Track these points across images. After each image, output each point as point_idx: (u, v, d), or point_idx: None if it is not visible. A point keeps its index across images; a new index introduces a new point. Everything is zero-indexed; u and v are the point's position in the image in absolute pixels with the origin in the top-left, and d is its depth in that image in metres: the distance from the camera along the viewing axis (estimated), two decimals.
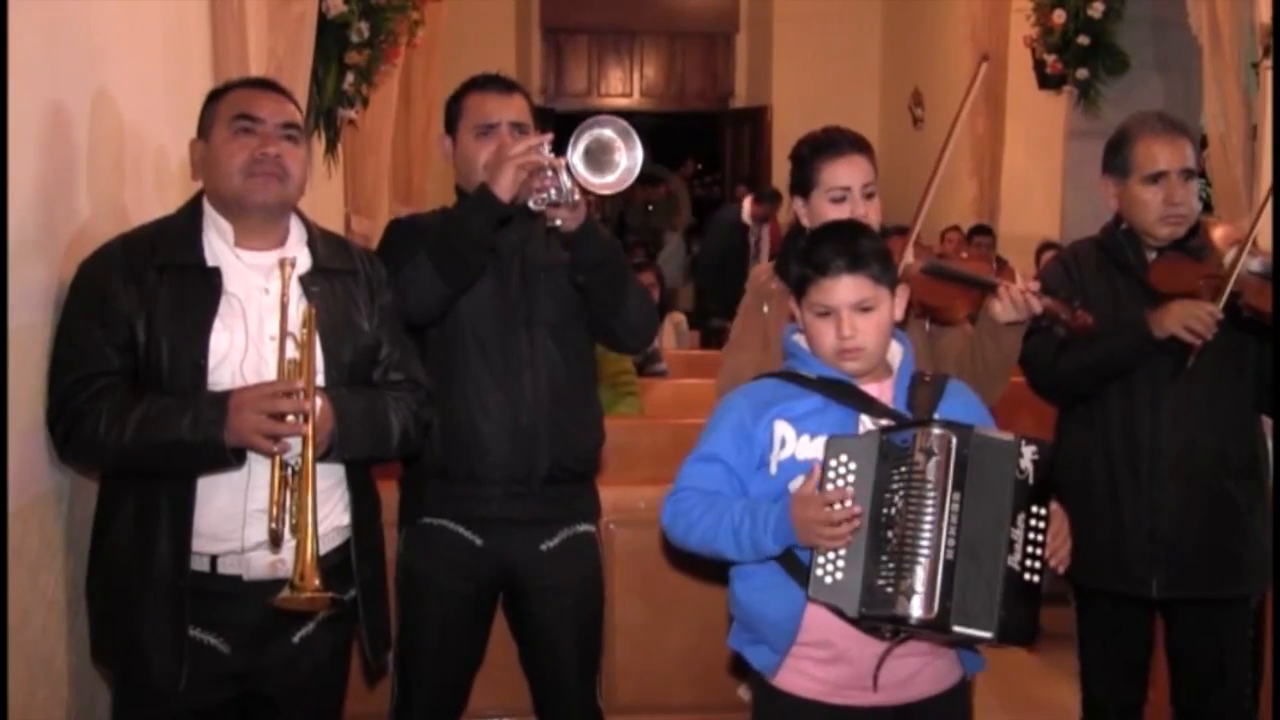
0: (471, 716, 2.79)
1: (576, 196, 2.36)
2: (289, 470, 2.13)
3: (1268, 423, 2.83)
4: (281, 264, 2.18)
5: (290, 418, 2.08)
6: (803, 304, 2.17)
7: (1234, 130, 4.67)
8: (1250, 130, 4.68)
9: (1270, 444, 2.83)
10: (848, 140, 2.59)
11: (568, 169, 2.33)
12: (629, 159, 2.34)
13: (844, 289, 2.11)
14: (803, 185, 2.60)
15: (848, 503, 1.97)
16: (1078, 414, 2.83)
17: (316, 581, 2.08)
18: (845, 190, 2.53)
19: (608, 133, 2.33)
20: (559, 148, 2.38)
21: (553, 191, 2.36)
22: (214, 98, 2.29)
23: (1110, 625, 2.84)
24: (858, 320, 2.11)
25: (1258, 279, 2.61)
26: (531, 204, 2.38)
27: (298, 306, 2.20)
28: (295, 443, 2.11)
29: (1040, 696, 4.09)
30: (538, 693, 2.71)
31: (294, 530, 2.11)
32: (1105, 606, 2.82)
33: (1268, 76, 4.44)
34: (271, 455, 2.10)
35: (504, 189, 2.37)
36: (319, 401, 2.13)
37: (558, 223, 2.40)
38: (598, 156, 2.33)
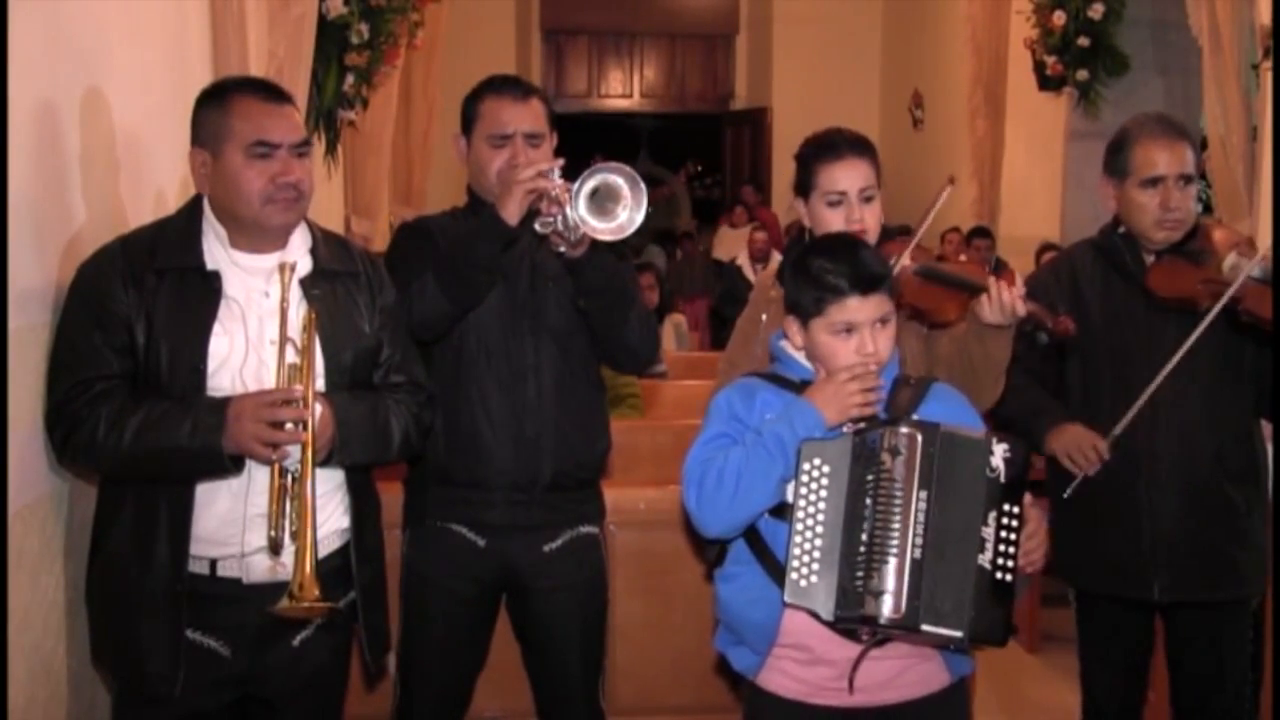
0: (474, 718, 2.79)
1: (581, 233, 2.35)
2: (288, 477, 2.13)
3: (1267, 427, 2.82)
4: (281, 268, 2.18)
5: (290, 425, 2.08)
6: (814, 323, 2.12)
7: (1234, 132, 4.68)
8: (1250, 131, 4.69)
9: (1270, 448, 2.82)
10: (847, 142, 2.55)
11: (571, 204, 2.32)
12: (629, 215, 2.32)
13: (870, 306, 2.10)
14: (803, 187, 2.58)
15: (872, 367, 2.05)
16: (1075, 417, 2.83)
17: (316, 591, 2.08)
18: (841, 195, 2.50)
19: (618, 180, 2.31)
20: (572, 159, 2.38)
21: (559, 220, 2.35)
22: (216, 102, 2.21)
23: (1111, 627, 2.83)
24: (878, 334, 2.11)
25: (1257, 284, 2.59)
26: (538, 226, 2.38)
27: (298, 311, 2.19)
28: (295, 449, 2.11)
29: (1040, 698, 4.09)
30: (540, 694, 2.71)
31: (294, 537, 2.11)
32: (1106, 608, 2.82)
33: (1268, 78, 4.45)
34: (270, 464, 2.10)
35: (511, 214, 2.38)
36: (319, 408, 2.13)
37: (561, 249, 2.40)
38: (602, 201, 2.32)
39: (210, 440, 2.05)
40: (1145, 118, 2.82)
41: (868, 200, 2.51)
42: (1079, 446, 2.70)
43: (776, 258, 7.94)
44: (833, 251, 2.15)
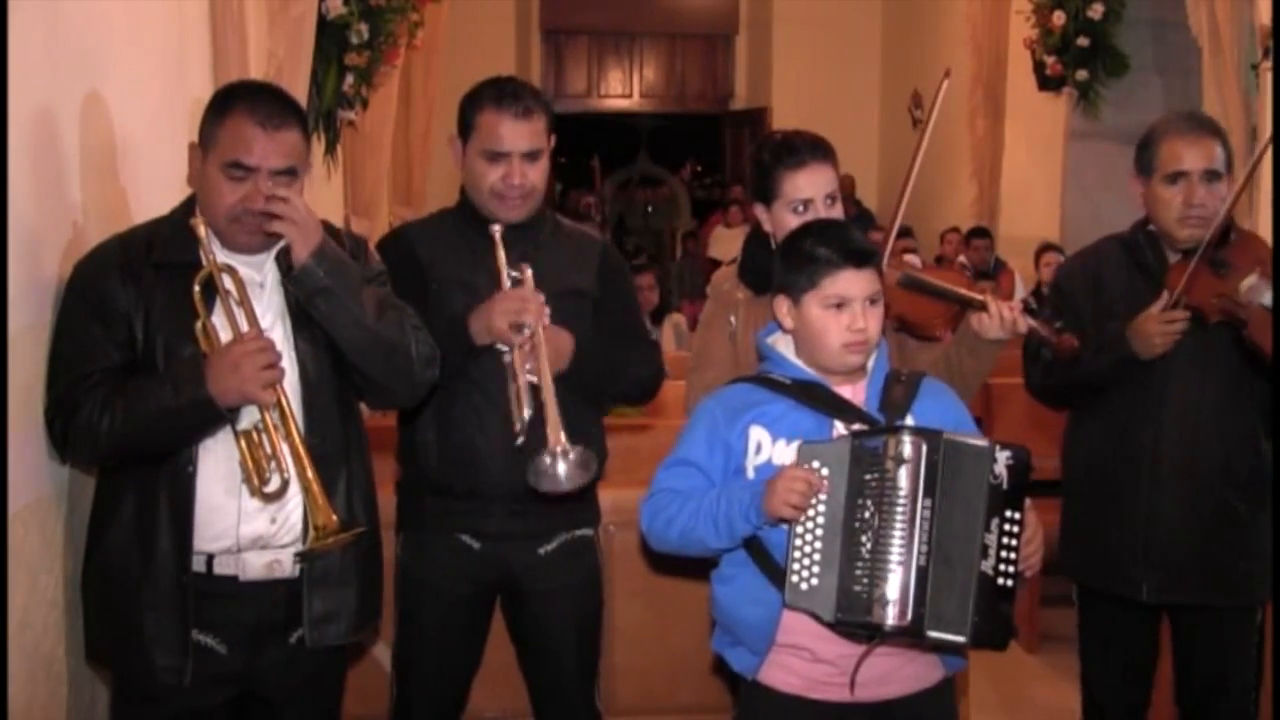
0: (470, 718, 2.79)
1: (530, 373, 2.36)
2: (269, 423, 2.12)
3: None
4: (207, 276, 2.14)
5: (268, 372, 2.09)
6: (805, 299, 2.14)
7: (1234, 131, 4.66)
8: (1250, 131, 4.69)
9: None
10: (808, 146, 2.51)
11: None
12: (565, 481, 2.30)
13: (863, 281, 2.12)
14: (764, 193, 2.54)
15: (823, 489, 2.00)
16: (1085, 416, 2.83)
17: (334, 517, 2.10)
18: (807, 202, 2.49)
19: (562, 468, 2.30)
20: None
21: (521, 362, 2.38)
22: (219, 106, 2.18)
23: (1111, 628, 2.83)
24: (869, 313, 2.12)
25: (1265, 313, 2.55)
26: (498, 346, 2.43)
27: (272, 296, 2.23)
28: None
29: (1040, 698, 4.09)
30: (536, 694, 2.71)
31: (283, 484, 2.13)
32: (1106, 609, 2.82)
33: (1267, 78, 4.45)
34: (272, 405, 2.10)
35: (480, 339, 2.43)
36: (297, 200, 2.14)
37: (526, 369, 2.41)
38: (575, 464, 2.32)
39: (195, 393, 2.06)
40: (1175, 115, 2.81)
41: (831, 203, 2.51)
42: (1166, 332, 2.58)
43: None
44: (822, 230, 2.21)
